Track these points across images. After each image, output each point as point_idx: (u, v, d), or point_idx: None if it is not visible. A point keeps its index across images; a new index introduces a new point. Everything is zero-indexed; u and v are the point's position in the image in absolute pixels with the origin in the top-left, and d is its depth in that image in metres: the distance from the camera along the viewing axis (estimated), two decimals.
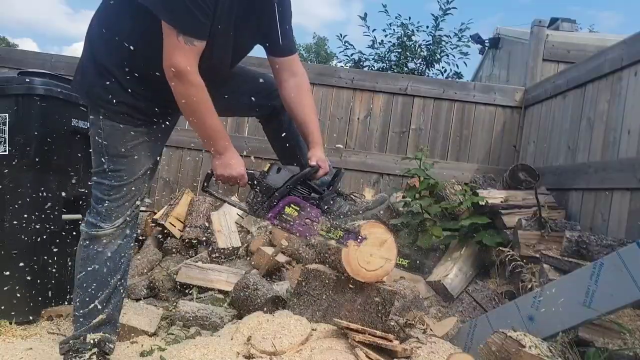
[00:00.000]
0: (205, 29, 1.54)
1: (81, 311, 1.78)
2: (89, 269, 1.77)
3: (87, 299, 1.77)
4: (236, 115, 2.13)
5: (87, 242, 1.78)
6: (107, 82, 1.64)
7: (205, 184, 1.81)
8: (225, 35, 1.64)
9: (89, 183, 1.80)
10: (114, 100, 1.65)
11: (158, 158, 1.88)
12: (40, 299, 2.33)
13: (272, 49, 1.85)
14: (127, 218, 1.79)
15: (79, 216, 2.50)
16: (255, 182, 1.74)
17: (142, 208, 1.90)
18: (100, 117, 1.68)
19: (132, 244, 1.89)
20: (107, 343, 1.79)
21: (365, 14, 8.67)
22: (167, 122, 1.82)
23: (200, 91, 1.58)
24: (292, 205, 1.73)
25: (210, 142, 1.67)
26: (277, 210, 1.71)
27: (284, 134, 1.96)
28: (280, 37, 1.79)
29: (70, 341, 1.76)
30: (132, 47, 1.59)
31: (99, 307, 1.78)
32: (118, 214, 1.76)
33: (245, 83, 1.94)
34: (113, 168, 1.71)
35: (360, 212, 1.91)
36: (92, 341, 1.76)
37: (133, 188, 1.76)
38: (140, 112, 1.69)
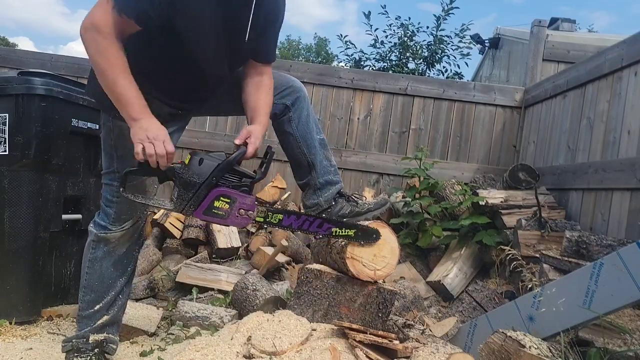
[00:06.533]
0: (141, 12, 1.46)
1: (86, 312, 1.79)
2: (96, 270, 1.78)
3: (93, 300, 1.78)
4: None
5: (95, 243, 1.78)
6: None
7: (122, 188, 1.57)
8: (210, 31, 1.56)
9: (102, 181, 1.78)
10: None
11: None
12: (40, 299, 2.33)
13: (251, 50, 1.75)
14: (137, 220, 1.79)
15: (79, 216, 2.50)
16: (176, 177, 1.56)
17: None
18: (111, 118, 1.68)
19: (139, 247, 1.90)
20: (109, 344, 1.80)
21: (369, 12, 8.67)
22: (177, 123, 1.80)
23: (112, 46, 1.47)
24: (221, 198, 1.56)
25: (123, 106, 1.52)
26: (205, 206, 1.55)
27: (293, 132, 1.94)
28: (263, 42, 1.73)
29: (73, 340, 1.77)
30: (134, 48, 1.58)
31: (105, 308, 1.79)
32: (127, 216, 1.76)
33: None
34: (122, 169, 1.70)
35: (363, 214, 1.90)
36: (94, 342, 1.76)
37: (142, 190, 1.75)
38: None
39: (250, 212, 1.60)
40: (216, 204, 1.56)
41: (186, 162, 1.58)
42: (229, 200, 1.57)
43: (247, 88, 1.78)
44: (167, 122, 1.70)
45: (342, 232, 1.73)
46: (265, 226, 1.70)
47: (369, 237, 1.77)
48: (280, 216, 1.68)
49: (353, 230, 1.74)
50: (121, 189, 1.57)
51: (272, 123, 1.98)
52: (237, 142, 1.64)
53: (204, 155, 1.58)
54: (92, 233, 1.79)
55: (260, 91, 1.78)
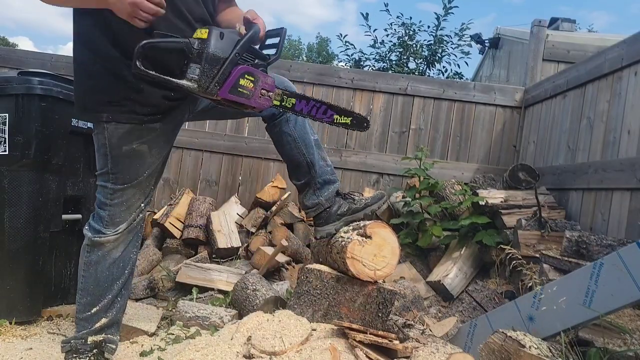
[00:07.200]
0: None
1: (83, 314, 1.77)
2: (91, 273, 1.76)
3: (90, 303, 1.77)
4: (245, 116, 2.04)
5: (90, 247, 1.75)
6: (105, 82, 1.60)
7: (138, 63, 1.42)
8: None
9: (97, 183, 1.76)
10: (116, 99, 1.60)
11: (163, 163, 1.82)
12: (40, 299, 2.33)
13: None
14: (131, 223, 1.76)
15: (79, 216, 2.50)
16: (196, 54, 1.44)
17: None
18: (104, 119, 1.64)
19: (137, 249, 1.86)
20: (108, 344, 1.79)
21: (367, 13, 8.74)
22: (172, 119, 1.75)
23: None
24: (246, 75, 1.49)
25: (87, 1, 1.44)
26: (231, 83, 1.47)
27: (291, 132, 1.94)
28: None
29: (72, 341, 1.76)
30: (108, 37, 1.52)
31: (102, 311, 1.77)
32: (121, 219, 1.73)
33: None
34: (116, 169, 1.67)
35: (361, 209, 1.91)
36: (93, 343, 1.75)
37: (136, 191, 1.73)
38: (143, 104, 1.62)
39: (271, 92, 1.59)
40: (241, 82, 1.50)
41: (204, 36, 1.47)
42: (253, 79, 1.52)
43: (221, 18, 1.79)
44: (165, 115, 1.67)
45: (341, 119, 1.85)
46: (280, 110, 1.75)
47: (361, 125, 1.91)
48: (294, 100, 1.70)
49: (349, 118, 1.87)
50: (137, 62, 1.42)
51: (269, 125, 1.99)
52: (243, 24, 1.57)
53: (222, 30, 1.49)
54: (86, 237, 1.76)
55: (234, 10, 1.78)
